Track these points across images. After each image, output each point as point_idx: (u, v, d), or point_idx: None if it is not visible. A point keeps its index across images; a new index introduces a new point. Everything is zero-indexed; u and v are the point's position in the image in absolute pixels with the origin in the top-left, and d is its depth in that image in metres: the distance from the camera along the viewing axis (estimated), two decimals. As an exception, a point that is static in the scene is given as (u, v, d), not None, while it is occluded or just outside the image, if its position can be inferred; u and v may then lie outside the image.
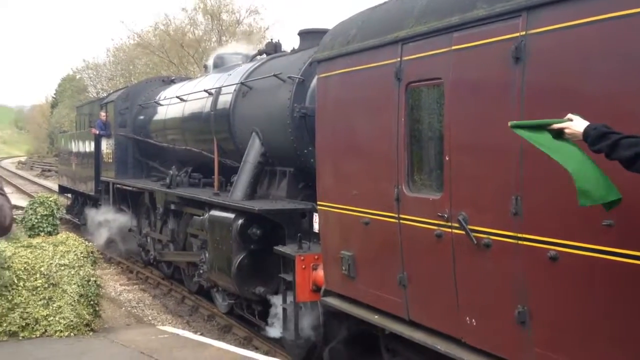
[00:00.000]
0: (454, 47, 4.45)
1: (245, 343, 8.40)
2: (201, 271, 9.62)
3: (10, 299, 7.44)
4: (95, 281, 8.01)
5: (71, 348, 7.17)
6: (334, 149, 5.97)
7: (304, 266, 6.83)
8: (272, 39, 10.83)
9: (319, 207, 6.24)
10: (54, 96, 63.01)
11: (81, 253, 7.98)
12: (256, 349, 8.07)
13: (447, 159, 4.46)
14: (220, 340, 8.11)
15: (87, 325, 7.75)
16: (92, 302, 7.88)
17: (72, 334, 7.58)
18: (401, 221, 4.97)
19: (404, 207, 4.94)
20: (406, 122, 4.93)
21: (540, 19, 3.77)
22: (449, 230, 4.44)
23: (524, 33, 3.86)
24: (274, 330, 7.79)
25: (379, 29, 5.39)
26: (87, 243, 8.43)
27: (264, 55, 10.30)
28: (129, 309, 10.61)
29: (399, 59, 5.01)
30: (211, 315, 9.80)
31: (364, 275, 5.55)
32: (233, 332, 8.96)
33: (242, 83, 9.26)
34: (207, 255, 9.09)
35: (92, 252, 8.30)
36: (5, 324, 7.40)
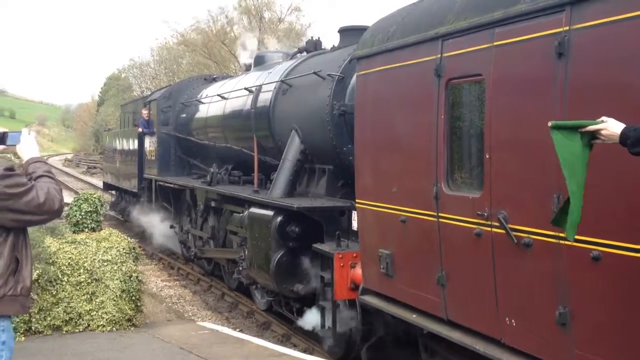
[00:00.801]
0: (495, 43, 4.37)
1: (284, 340, 8.42)
2: (241, 268, 9.70)
3: (54, 293, 7.57)
4: (137, 277, 8.10)
5: (113, 343, 7.27)
6: (372, 146, 5.94)
7: (342, 264, 6.81)
8: (312, 37, 10.83)
9: (357, 204, 6.22)
10: (100, 95, 64.34)
11: (123, 249, 8.11)
12: (294, 346, 8.06)
13: (487, 156, 4.39)
14: (259, 337, 8.17)
15: (128, 320, 7.85)
16: (133, 298, 7.98)
17: (114, 328, 7.69)
18: (440, 219, 4.92)
19: (443, 206, 4.88)
20: (446, 120, 4.87)
21: (585, 13, 3.68)
22: (489, 229, 4.37)
23: (567, 28, 3.77)
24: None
25: (419, 25, 5.34)
26: (129, 239, 8.54)
27: (304, 53, 10.31)
28: (169, 304, 10.72)
29: (439, 56, 4.96)
30: (250, 311, 9.86)
31: (402, 274, 5.51)
32: (272, 329, 9.00)
33: (282, 81, 9.29)
34: (246, 252, 9.15)
35: (134, 249, 8.41)
36: (49, 318, 7.53)
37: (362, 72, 6.14)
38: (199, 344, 7.31)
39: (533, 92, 4.04)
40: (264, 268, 8.34)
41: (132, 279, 7.97)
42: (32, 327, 7.43)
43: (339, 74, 7.84)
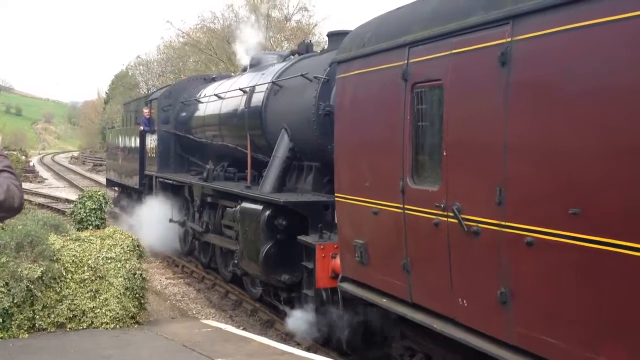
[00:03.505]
0: (452, 51, 4.84)
1: (287, 339, 8.43)
2: (236, 260, 10.17)
3: (58, 290, 7.58)
4: (141, 274, 8.07)
5: (116, 340, 7.29)
6: (349, 144, 6.41)
7: (323, 255, 7.30)
8: (306, 40, 11.29)
9: (336, 198, 6.69)
10: (107, 92, 64.97)
11: (127, 247, 8.11)
12: (297, 344, 8.07)
13: (444, 154, 4.86)
14: (262, 335, 8.20)
15: (132, 317, 7.86)
16: (137, 295, 7.96)
17: (117, 326, 7.71)
18: (406, 211, 5.39)
19: (408, 198, 5.35)
20: (411, 120, 5.35)
21: (523, 27, 4.14)
22: (445, 219, 4.85)
23: (509, 39, 4.23)
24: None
25: (391, 33, 5.81)
26: (133, 237, 8.56)
27: (296, 56, 10.78)
28: (173, 302, 10.72)
29: (406, 62, 5.42)
30: (254, 309, 9.91)
31: (374, 262, 5.99)
32: (275, 328, 9.04)
33: (273, 82, 9.77)
34: (238, 244, 9.63)
35: (138, 246, 8.37)
36: (53, 315, 7.55)
37: (341, 76, 6.61)
38: (202, 342, 7.33)
39: (482, 96, 4.50)
40: (253, 259, 8.82)
41: (135, 276, 7.95)
42: (36, 324, 7.47)
43: (324, 76, 8.31)
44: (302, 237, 7.83)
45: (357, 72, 6.29)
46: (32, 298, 7.46)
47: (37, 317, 7.50)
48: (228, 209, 10.32)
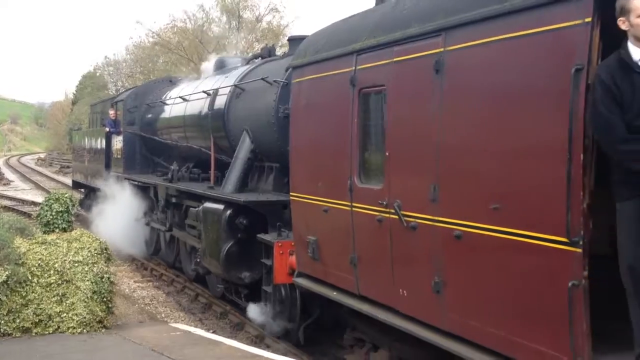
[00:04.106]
0: (394, 59, 5.20)
1: (258, 341, 8.50)
2: (198, 259, 10.43)
3: (24, 295, 7.51)
4: (108, 278, 8.03)
5: (83, 345, 7.21)
6: (303, 146, 6.75)
7: (281, 252, 7.62)
8: (266, 44, 11.60)
9: (291, 197, 7.02)
10: (75, 93, 64.31)
11: (95, 250, 8.06)
12: (267, 347, 8.16)
13: (387, 154, 5.22)
14: (232, 338, 8.19)
15: (99, 322, 7.81)
16: (105, 299, 7.91)
17: (84, 330, 7.65)
18: (353, 209, 5.74)
19: (355, 196, 5.70)
20: (358, 123, 5.70)
21: (454, 38, 4.51)
22: (388, 215, 5.20)
23: (442, 49, 4.60)
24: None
25: (341, 41, 6.16)
26: (101, 240, 8.51)
27: (259, 59, 11.08)
28: (142, 306, 10.69)
29: (354, 68, 5.77)
30: (224, 312, 9.94)
31: (325, 257, 6.32)
32: (245, 330, 9.05)
33: (235, 85, 10.06)
34: (201, 244, 9.89)
35: (105, 249, 8.34)
36: (18, 320, 7.47)
37: (297, 80, 6.94)
38: (170, 346, 7.32)
39: (419, 101, 4.87)
40: (215, 257, 9.09)
41: (103, 280, 7.91)
42: (1, 329, 7.40)
43: (284, 80, 8.62)
44: (261, 235, 8.14)
45: (310, 77, 6.62)
46: (-4, 302, 7.37)
47: (2, 322, 7.46)
48: (191, 209, 10.58)
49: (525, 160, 3.87)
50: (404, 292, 5.06)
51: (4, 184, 33.36)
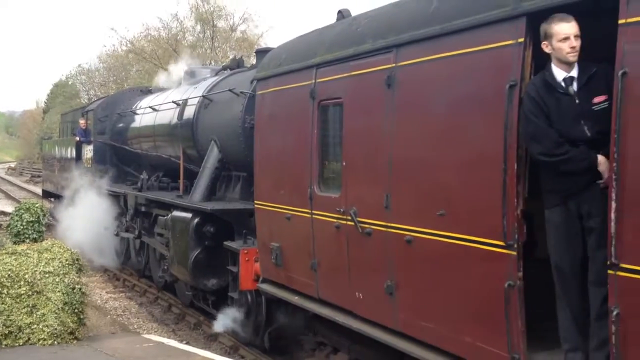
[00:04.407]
0: (351, 73, 5.46)
1: (231, 352, 8.45)
2: (165, 267, 10.56)
3: None
4: (80, 289, 7.93)
5: (54, 356, 7.11)
6: (267, 156, 6.98)
7: (247, 259, 7.82)
8: (234, 56, 11.80)
9: (255, 205, 7.23)
10: (46, 102, 63.68)
11: (66, 260, 7.98)
12: (242, 357, 8.18)
13: (344, 164, 5.47)
14: (206, 349, 8.15)
15: (71, 333, 7.67)
16: (76, 310, 7.80)
17: (55, 342, 7.47)
18: (313, 216, 5.97)
19: (315, 204, 5.94)
20: (318, 134, 5.95)
21: (404, 54, 4.79)
22: (345, 222, 5.45)
23: (394, 65, 4.87)
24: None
25: (302, 55, 6.41)
26: (72, 250, 8.38)
27: (228, 70, 11.29)
28: (114, 317, 10.59)
29: (314, 81, 6.02)
30: (198, 323, 9.86)
31: (288, 263, 6.54)
32: (219, 341, 8.98)
33: (204, 96, 10.25)
34: (169, 252, 10.04)
35: (77, 260, 8.25)
36: None
37: (261, 92, 7.17)
38: (143, 357, 7.27)
39: (373, 114, 5.13)
40: (183, 265, 9.25)
41: (75, 291, 7.81)
42: None
43: (250, 91, 8.84)
44: (227, 243, 8.33)
45: (273, 89, 6.86)
46: (-35, 314, 7.24)
47: (-29, 334, 7.27)
48: (160, 217, 10.72)
49: (467, 170, 4.14)
50: (360, 295, 5.30)
51: (-27, 194, 33.00)
